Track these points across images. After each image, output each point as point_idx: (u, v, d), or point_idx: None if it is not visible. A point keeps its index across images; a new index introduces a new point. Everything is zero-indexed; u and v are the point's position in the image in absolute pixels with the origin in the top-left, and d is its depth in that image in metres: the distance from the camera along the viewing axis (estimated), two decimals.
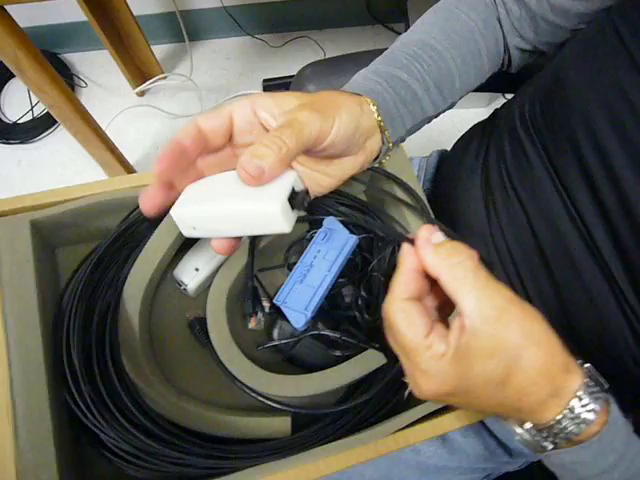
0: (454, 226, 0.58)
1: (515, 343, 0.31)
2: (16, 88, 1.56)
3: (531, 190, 0.51)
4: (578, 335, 0.49)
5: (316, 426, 0.47)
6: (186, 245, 0.54)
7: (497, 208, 0.54)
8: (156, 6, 1.48)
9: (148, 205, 0.37)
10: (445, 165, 0.69)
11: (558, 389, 0.32)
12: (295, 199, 0.36)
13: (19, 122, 1.55)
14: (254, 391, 0.47)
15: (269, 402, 0.47)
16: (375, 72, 0.49)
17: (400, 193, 0.55)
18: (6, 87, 1.59)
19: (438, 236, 0.34)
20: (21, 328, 0.46)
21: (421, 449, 0.58)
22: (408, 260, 0.34)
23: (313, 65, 0.74)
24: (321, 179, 0.42)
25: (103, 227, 0.53)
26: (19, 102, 1.55)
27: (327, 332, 0.48)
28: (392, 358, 0.47)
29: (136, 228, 0.52)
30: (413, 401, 0.47)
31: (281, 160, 0.34)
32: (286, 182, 0.36)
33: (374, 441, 0.44)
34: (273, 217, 0.34)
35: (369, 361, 0.47)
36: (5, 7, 0.86)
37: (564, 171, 0.47)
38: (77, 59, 1.62)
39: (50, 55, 1.57)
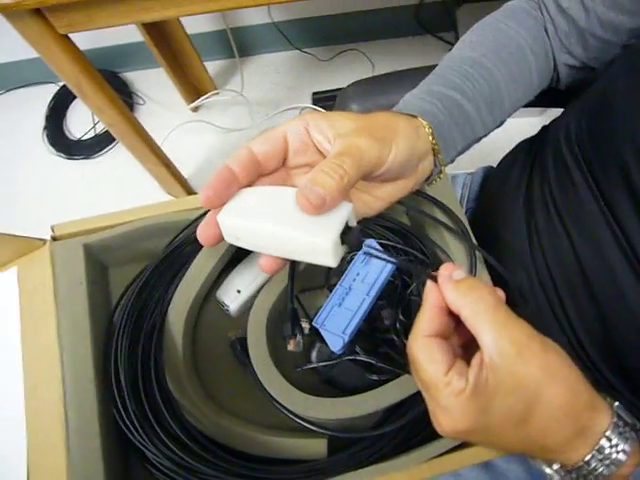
0: (495, 247, 0.57)
1: (535, 380, 0.31)
2: (80, 107, 1.65)
3: (575, 212, 0.49)
4: (622, 355, 0.47)
5: (352, 450, 0.47)
6: (229, 265, 0.55)
7: (539, 230, 0.53)
8: (208, 24, 1.53)
9: (204, 235, 0.37)
10: (490, 183, 0.68)
11: (584, 428, 0.32)
12: (347, 235, 0.35)
13: (82, 139, 1.63)
14: (292, 412, 0.48)
15: (306, 424, 0.48)
16: (429, 92, 0.48)
17: (441, 215, 0.55)
18: (71, 106, 1.68)
19: (459, 273, 0.34)
20: (74, 347, 0.49)
21: (462, 473, 0.57)
22: (431, 297, 0.34)
23: (356, 84, 0.74)
24: (370, 201, 0.42)
25: (152, 248, 0.55)
26: (83, 120, 1.64)
27: (363, 357, 0.48)
28: None
29: (182, 250, 0.54)
30: None
31: (343, 189, 0.33)
32: (341, 216, 0.35)
33: (408, 468, 0.44)
34: (323, 251, 0.34)
35: (405, 386, 0.47)
36: (69, 35, 0.91)
37: (611, 193, 0.45)
38: (135, 77, 1.69)
39: (110, 74, 1.66)
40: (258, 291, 0.54)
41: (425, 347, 0.33)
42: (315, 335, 0.52)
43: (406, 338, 0.51)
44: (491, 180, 0.68)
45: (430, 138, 0.42)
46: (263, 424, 0.51)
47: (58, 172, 1.60)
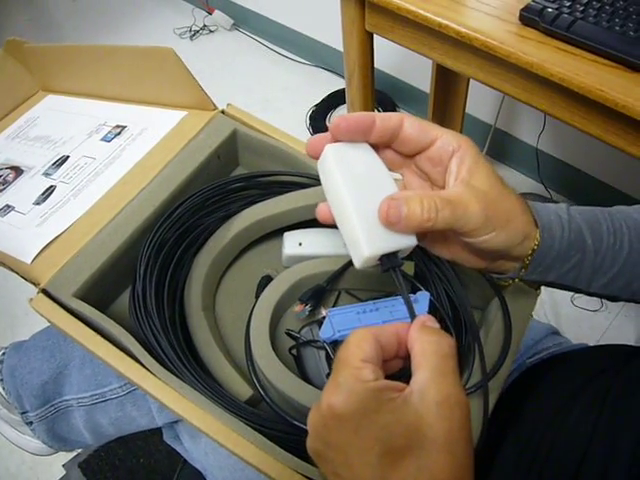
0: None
1: (434, 437, 0.29)
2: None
3: None
4: None
5: (259, 410, 0.47)
6: (312, 224, 0.59)
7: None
8: (485, 114, 1.61)
9: (311, 144, 0.38)
10: (567, 364, 0.60)
11: None
12: (388, 258, 0.35)
13: None
14: (250, 349, 0.49)
15: (250, 366, 0.49)
16: (570, 217, 0.43)
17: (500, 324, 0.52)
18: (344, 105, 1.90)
19: (434, 323, 0.34)
20: (154, 192, 0.57)
21: None
22: (399, 325, 0.34)
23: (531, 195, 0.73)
24: (440, 246, 0.41)
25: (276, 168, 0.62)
26: None
27: (329, 351, 0.48)
28: None
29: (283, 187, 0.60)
30: None
31: (422, 228, 0.34)
32: (400, 243, 0.35)
33: (282, 463, 0.43)
34: (358, 252, 0.35)
35: None
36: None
37: None
38: None
39: (386, 98, 1.85)
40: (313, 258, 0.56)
41: (360, 335, 0.33)
42: (319, 322, 0.53)
43: None
44: (573, 361, 0.60)
45: (529, 252, 0.40)
46: (230, 348, 0.55)
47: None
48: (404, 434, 0.29)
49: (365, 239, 0.34)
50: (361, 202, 0.35)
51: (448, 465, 0.29)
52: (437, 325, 0.34)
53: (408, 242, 0.36)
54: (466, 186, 0.36)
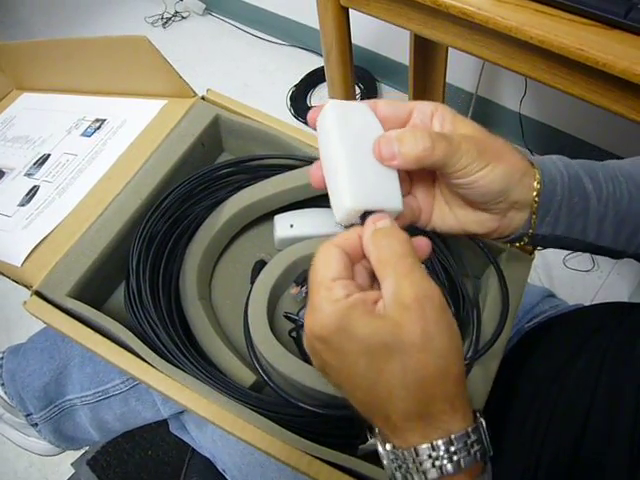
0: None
1: (411, 340, 0.30)
2: None
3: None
4: None
5: (263, 395, 0.47)
6: (302, 206, 0.59)
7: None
8: (465, 82, 1.60)
9: (312, 114, 0.38)
10: (567, 325, 0.60)
11: (430, 416, 0.30)
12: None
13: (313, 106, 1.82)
14: (249, 334, 0.49)
15: (251, 352, 0.49)
16: (566, 164, 0.42)
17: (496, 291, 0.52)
18: (323, 84, 1.88)
19: (385, 223, 0.34)
20: (139, 185, 0.56)
21: None
22: (360, 229, 0.35)
23: None
24: (446, 215, 0.41)
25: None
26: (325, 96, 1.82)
27: None
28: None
29: (271, 170, 0.59)
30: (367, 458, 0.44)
31: (417, 160, 0.35)
32: (386, 202, 0.35)
33: (290, 445, 0.43)
34: (340, 204, 0.35)
35: None
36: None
37: None
38: (383, 90, 1.84)
39: (366, 73, 1.83)
40: (305, 239, 0.56)
41: (327, 251, 0.34)
42: None
43: None
44: (570, 322, 0.60)
45: (534, 194, 0.39)
46: (229, 335, 0.54)
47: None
48: (383, 342, 0.30)
49: (349, 191, 0.34)
50: (353, 156, 0.35)
51: (429, 361, 0.30)
52: (388, 223, 0.34)
53: (394, 204, 0.36)
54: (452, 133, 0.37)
